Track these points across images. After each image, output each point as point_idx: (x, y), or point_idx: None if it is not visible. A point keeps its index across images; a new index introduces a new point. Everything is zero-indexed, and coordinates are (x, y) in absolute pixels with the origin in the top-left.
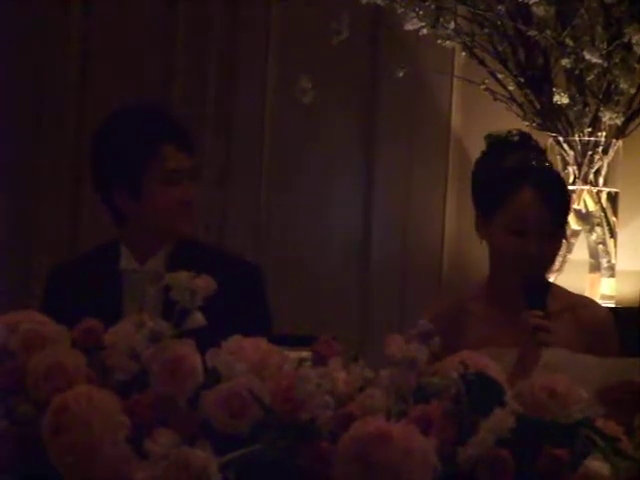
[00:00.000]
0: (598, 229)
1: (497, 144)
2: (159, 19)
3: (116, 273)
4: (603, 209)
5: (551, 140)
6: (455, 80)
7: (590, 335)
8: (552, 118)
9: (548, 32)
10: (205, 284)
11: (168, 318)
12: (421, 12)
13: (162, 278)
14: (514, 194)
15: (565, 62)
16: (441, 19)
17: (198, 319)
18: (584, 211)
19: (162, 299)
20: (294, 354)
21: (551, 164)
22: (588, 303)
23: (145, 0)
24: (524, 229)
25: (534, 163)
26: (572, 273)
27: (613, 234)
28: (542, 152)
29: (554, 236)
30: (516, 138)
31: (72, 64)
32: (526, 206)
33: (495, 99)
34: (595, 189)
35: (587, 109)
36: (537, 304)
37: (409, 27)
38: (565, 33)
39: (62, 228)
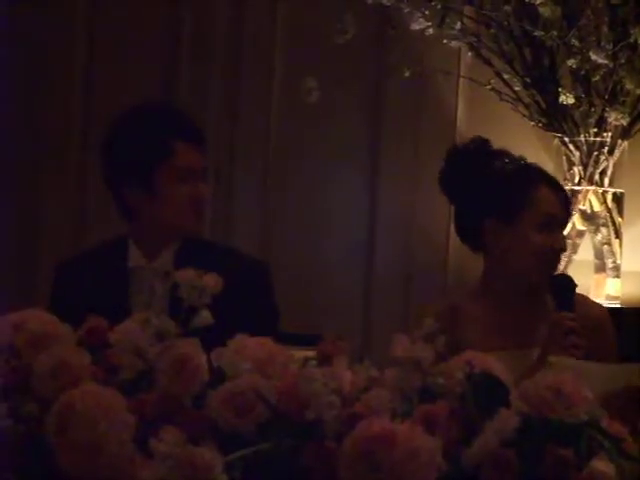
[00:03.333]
0: (603, 229)
1: (457, 154)
2: (163, 19)
3: (124, 270)
4: (608, 209)
5: (557, 140)
6: (461, 80)
7: (587, 332)
8: (558, 118)
9: (554, 32)
10: (213, 282)
11: (176, 315)
12: (427, 12)
13: (170, 275)
14: (535, 193)
15: (571, 62)
16: (447, 19)
17: (206, 317)
18: (589, 211)
19: (170, 296)
20: (299, 353)
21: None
22: (585, 302)
23: (149, 0)
24: (553, 225)
25: (530, 164)
26: (577, 273)
27: (618, 234)
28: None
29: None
30: (472, 145)
31: (76, 63)
32: (551, 203)
33: (501, 99)
34: (600, 189)
35: (593, 109)
36: (566, 305)
37: (415, 27)
38: (571, 33)
39: (67, 225)
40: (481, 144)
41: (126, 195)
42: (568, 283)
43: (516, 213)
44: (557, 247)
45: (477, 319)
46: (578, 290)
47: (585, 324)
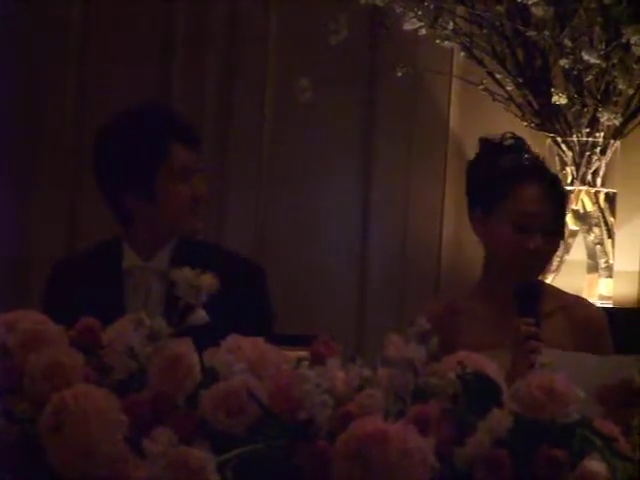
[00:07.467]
0: (596, 229)
1: (492, 147)
2: (158, 18)
3: (119, 271)
4: (601, 209)
5: (549, 140)
6: (454, 80)
7: (583, 334)
8: (550, 118)
9: (547, 33)
10: (210, 281)
11: (171, 315)
12: (420, 12)
13: (167, 275)
14: (517, 189)
15: (563, 63)
16: (440, 19)
17: (202, 316)
18: (582, 211)
19: (166, 297)
20: (292, 353)
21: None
22: (580, 302)
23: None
24: (528, 224)
25: (536, 162)
26: (570, 274)
27: (611, 234)
28: (536, 155)
29: (554, 235)
30: (509, 142)
31: (70, 65)
32: (531, 201)
33: (494, 99)
34: (593, 190)
35: (585, 110)
36: (528, 311)
37: (408, 27)
38: (564, 34)
39: (62, 225)
40: (516, 141)
41: (124, 199)
42: (531, 290)
43: (494, 205)
44: (530, 248)
45: (475, 317)
46: (573, 291)
47: (579, 326)
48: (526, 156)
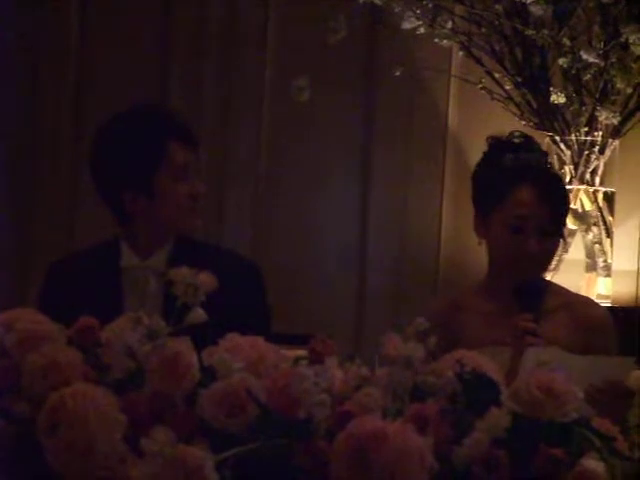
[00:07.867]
0: (594, 229)
1: (498, 145)
2: (158, 19)
3: (117, 270)
4: (599, 209)
5: (548, 139)
6: (452, 79)
7: (587, 333)
8: (549, 117)
9: (545, 32)
10: (208, 280)
11: (169, 315)
12: (418, 11)
13: (164, 274)
14: (513, 192)
15: (562, 62)
16: (438, 18)
17: (200, 315)
18: (580, 211)
19: (163, 296)
20: (290, 352)
21: (551, 165)
22: (584, 301)
23: (143, 1)
24: (523, 227)
25: (534, 163)
26: (568, 272)
27: (609, 234)
28: (544, 153)
29: (552, 235)
30: (517, 140)
31: (69, 66)
32: (525, 204)
33: (492, 98)
34: (592, 189)
35: (584, 109)
36: (528, 307)
37: (406, 26)
38: (562, 33)
39: (60, 228)
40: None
41: (123, 198)
42: (531, 287)
43: (493, 207)
44: (527, 250)
45: (478, 313)
46: (571, 290)
47: (584, 325)
48: (530, 155)
